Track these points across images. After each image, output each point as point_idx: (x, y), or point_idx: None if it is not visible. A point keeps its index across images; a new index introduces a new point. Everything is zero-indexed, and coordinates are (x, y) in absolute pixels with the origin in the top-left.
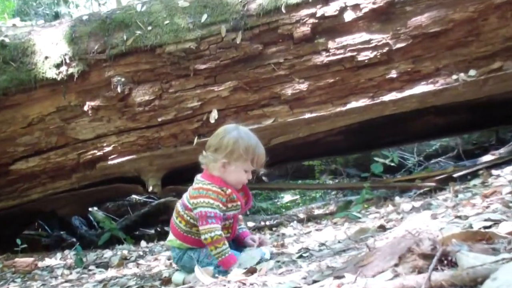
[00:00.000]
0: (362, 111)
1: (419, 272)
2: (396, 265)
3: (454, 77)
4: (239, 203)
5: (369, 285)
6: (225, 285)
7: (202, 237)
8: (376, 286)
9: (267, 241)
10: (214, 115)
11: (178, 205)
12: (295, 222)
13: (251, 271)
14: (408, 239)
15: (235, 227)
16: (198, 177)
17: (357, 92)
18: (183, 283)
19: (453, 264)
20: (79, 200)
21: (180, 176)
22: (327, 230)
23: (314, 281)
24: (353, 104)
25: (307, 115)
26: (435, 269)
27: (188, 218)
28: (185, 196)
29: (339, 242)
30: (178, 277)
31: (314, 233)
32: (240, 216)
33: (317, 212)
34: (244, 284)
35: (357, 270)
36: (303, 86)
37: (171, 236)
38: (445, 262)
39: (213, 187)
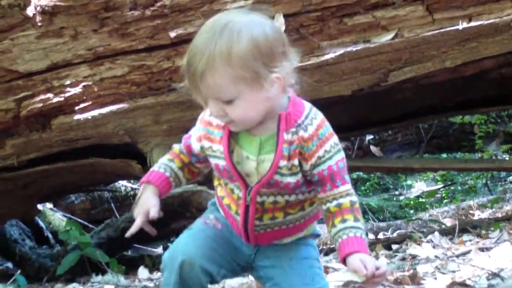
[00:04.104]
0: None
1: None
2: None
3: None
4: (221, 148)
5: None
6: None
7: None
8: None
9: (384, 275)
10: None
11: None
12: (435, 233)
13: None
14: None
15: (252, 212)
16: None
17: None
18: None
19: None
20: (18, 190)
21: None
22: (502, 249)
23: None
24: None
25: (462, 25)
26: None
27: None
28: None
29: None
30: None
31: (475, 255)
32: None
33: (479, 215)
34: None
35: None
36: None
37: None
38: None
39: None
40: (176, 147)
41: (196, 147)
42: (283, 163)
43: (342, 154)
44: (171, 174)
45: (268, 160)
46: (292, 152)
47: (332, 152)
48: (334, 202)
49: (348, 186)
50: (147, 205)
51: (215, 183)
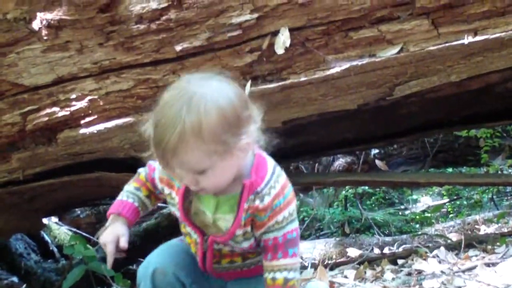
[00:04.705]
0: None
1: None
2: None
3: None
4: (176, 199)
5: None
6: None
7: None
8: None
9: None
10: (283, 39)
11: None
12: (441, 248)
13: None
14: None
15: (209, 257)
16: None
17: None
18: None
19: None
20: (24, 204)
21: None
22: (509, 265)
23: None
24: None
25: (468, 39)
26: None
27: None
28: None
29: None
30: None
31: (481, 271)
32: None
33: (485, 230)
34: None
35: None
36: None
37: None
38: None
39: None
40: (142, 173)
41: (158, 185)
42: (239, 232)
43: (294, 225)
44: (139, 203)
45: (223, 219)
46: (246, 220)
47: (283, 223)
48: (271, 274)
49: (289, 261)
50: (116, 232)
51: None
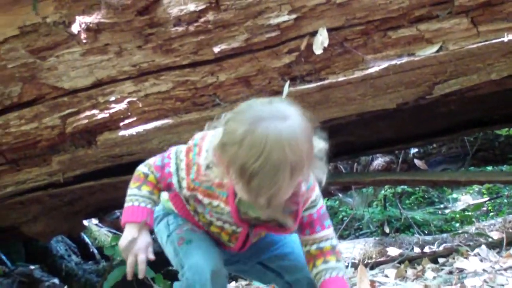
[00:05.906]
0: None
1: None
2: None
3: None
4: (226, 209)
5: None
6: None
7: None
8: None
9: None
10: (321, 40)
11: None
12: (482, 247)
13: None
14: None
15: (250, 242)
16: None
17: None
18: None
19: None
20: (64, 207)
21: None
22: None
23: None
24: None
25: (508, 37)
26: None
27: None
28: None
29: None
30: None
31: None
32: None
33: None
34: None
35: None
36: None
37: None
38: None
39: (194, 155)
40: (151, 176)
41: (184, 193)
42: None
43: (323, 202)
44: (155, 207)
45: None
46: None
47: (317, 200)
48: (314, 246)
49: (327, 231)
50: (147, 242)
51: (189, 208)
